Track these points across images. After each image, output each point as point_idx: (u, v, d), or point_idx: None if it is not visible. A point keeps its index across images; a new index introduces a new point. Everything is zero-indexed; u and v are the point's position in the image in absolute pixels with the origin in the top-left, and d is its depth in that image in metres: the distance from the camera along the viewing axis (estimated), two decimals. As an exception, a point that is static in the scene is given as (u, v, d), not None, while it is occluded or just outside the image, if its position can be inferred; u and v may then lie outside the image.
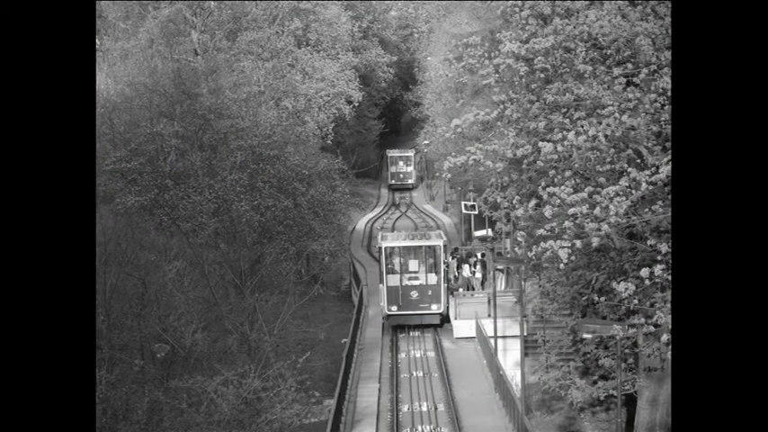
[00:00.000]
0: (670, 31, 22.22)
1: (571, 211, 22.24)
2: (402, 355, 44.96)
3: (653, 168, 22.93)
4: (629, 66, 23.36)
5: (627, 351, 31.55)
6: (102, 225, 34.16)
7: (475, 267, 51.41)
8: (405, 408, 36.86)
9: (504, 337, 42.26)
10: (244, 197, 46.45)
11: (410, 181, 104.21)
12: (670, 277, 21.77)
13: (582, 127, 23.03)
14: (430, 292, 48.43)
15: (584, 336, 28.72)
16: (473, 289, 50.72)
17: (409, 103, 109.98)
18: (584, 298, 31.45)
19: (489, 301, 45.74)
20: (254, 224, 46.34)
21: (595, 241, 22.14)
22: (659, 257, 22.90)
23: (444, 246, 49.33)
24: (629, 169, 22.71)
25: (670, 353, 25.49)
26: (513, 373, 38.67)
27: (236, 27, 65.27)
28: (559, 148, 22.85)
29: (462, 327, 47.51)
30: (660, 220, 23.16)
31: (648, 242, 24.38)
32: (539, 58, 23.70)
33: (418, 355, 44.82)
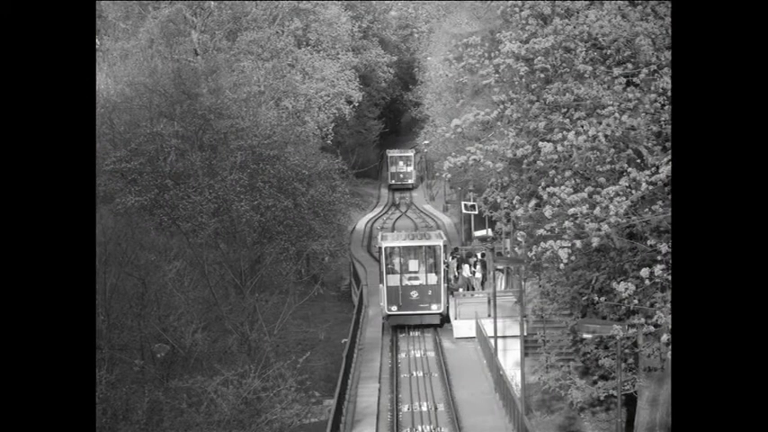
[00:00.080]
0: (670, 31, 22.23)
1: (571, 211, 22.24)
2: (402, 355, 44.96)
3: (653, 168, 22.93)
4: (629, 66, 23.36)
5: (627, 351, 31.55)
6: (102, 225, 34.16)
7: (475, 267, 51.41)
8: (405, 408, 36.86)
9: (504, 337, 42.26)
10: (244, 197, 46.45)
11: (410, 181, 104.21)
12: (670, 277, 21.77)
13: (582, 127, 23.03)
14: (430, 292, 48.43)
15: (584, 336, 28.72)
16: (473, 289, 50.71)
17: (409, 103, 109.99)
18: (584, 298, 31.46)
19: (489, 301, 45.74)
20: (254, 224, 46.34)
21: (595, 241, 22.14)
22: (659, 257, 22.90)
23: (444, 246, 49.32)
24: (629, 169, 22.71)
25: (670, 353, 25.49)
26: (513, 373, 38.66)
27: (236, 27, 65.28)
28: (559, 148, 22.85)
29: (462, 327, 47.51)
30: (660, 220, 23.16)
31: (648, 242, 24.38)
32: (539, 58, 23.70)
33: (418, 355, 44.82)
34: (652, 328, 24.24)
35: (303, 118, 65.12)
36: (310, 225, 50.55)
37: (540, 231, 23.00)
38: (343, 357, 38.98)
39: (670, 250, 22.27)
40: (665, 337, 23.38)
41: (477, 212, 61.06)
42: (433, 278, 48.54)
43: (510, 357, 41.67)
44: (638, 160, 23.61)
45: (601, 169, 23.20)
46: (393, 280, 48.54)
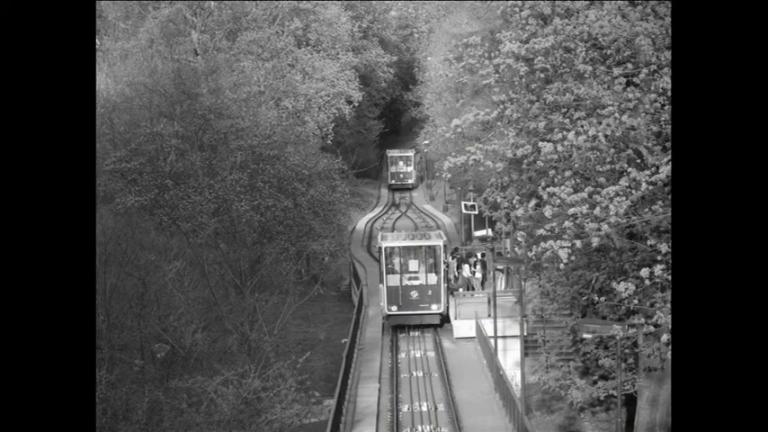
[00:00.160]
0: (670, 31, 22.23)
1: (571, 211, 22.24)
2: (402, 355, 44.96)
3: (653, 168, 22.93)
4: (629, 66, 23.36)
5: (627, 351, 31.55)
6: (102, 225, 34.16)
7: (475, 267, 51.41)
8: (405, 408, 36.86)
9: (504, 337, 42.26)
10: (244, 197, 46.45)
11: (410, 181, 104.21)
12: (670, 277, 21.77)
13: (582, 127, 23.03)
14: (430, 292, 48.43)
15: (584, 336, 28.72)
16: (473, 289, 50.71)
17: (409, 103, 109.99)
18: (584, 298, 31.45)
19: (489, 301, 45.74)
20: (254, 224, 46.34)
21: (595, 241, 22.14)
22: (659, 257, 22.90)
23: (444, 246, 49.32)
24: (629, 169, 22.71)
25: (670, 353, 25.49)
26: (513, 373, 38.66)
27: (236, 27, 65.28)
28: (559, 148, 22.85)
29: (462, 327, 47.51)
30: (660, 220, 23.16)
31: (648, 242, 24.38)
32: (539, 58, 23.70)
33: (418, 355, 44.82)
34: (652, 328, 24.24)
35: (303, 118, 65.12)
36: (310, 225, 50.56)
37: (540, 231, 23.00)
38: (343, 357, 38.97)
39: (670, 250, 22.26)
40: (665, 337, 23.38)
41: (477, 212, 61.06)
42: (433, 278, 48.54)
43: (510, 357, 41.67)
44: (638, 160, 23.61)
45: (601, 169, 23.20)
46: (393, 280, 48.54)
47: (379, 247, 50.04)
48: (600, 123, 22.85)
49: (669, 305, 22.68)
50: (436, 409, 36.52)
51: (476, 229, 66.06)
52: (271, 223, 47.87)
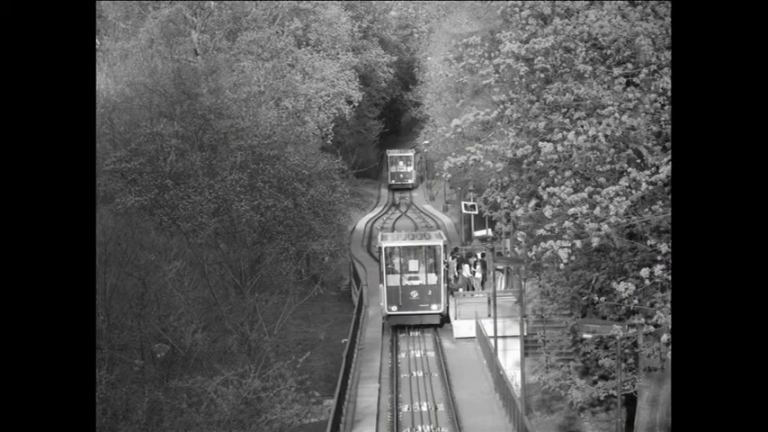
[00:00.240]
0: (670, 31, 22.22)
1: (571, 211, 22.24)
2: (402, 355, 44.96)
3: (653, 168, 22.93)
4: (629, 66, 23.36)
5: (627, 351, 31.55)
6: (102, 225, 34.16)
7: (475, 267, 51.40)
8: (405, 408, 36.86)
9: (504, 337, 42.26)
10: (244, 197, 46.46)
11: (410, 181, 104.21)
12: (670, 277, 21.77)
13: (582, 127, 23.03)
14: (430, 292, 48.43)
15: (584, 336, 28.71)
16: (473, 289, 50.71)
17: (409, 103, 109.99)
18: (584, 298, 31.45)
19: (489, 301, 45.74)
20: (254, 224, 46.34)
21: (595, 241, 22.14)
22: (659, 257, 22.90)
23: (444, 246, 49.32)
24: (629, 169, 22.71)
25: (670, 353, 25.49)
26: (513, 373, 38.66)
27: (236, 27, 65.28)
28: (559, 148, 22.85)
29: (462, 327, 47.51)
30: (660, 220, 23.16)
31: (648, 242, 24.38)
32: (539, 58, 23.70)
33: (418, 355, 44.82)
34: (652, 328, 24.24)
35: (303, 118, 65.12)
36: (310, 225, 50.56)
37: (540, 231, 23.00)
38: (343, 357, 38.97)
39: (670, 250, 22.26)
40: (665, 337, 23.38)
41: (477, 212, 61.05)
42: (433, 278, 48.54)
43: (510, 357, 41.67)
44: (638, 160, 23.61)
45: (601, 169, 23.20)
46: (393, 280, 48.54)
47: (379, 247, 50.04)
48: (600, 123, 22.85)
49: (669, 305, 22.68)
50: (436, 409, 36.53)
51: (476, 229, 66.06)
52: (271, 223, 47.87)
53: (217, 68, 53.53)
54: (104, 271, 31.03)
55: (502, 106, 24.77)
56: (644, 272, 22.38)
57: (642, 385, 30.71)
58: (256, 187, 47.67)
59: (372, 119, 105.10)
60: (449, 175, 27.13)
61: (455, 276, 50.91)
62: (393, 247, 49.13)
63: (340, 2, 78.93)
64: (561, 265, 23.08)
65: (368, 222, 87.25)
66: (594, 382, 37.08)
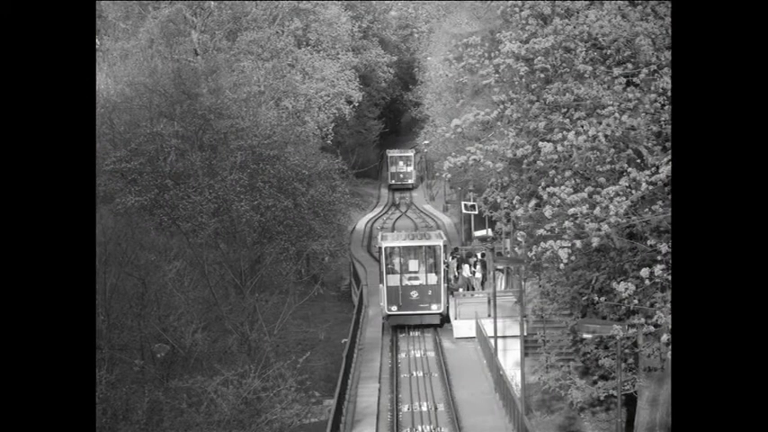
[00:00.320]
0: (670, 31, 22.22)
1: (571, 211, 22.24)
2: (402, 355, 44.96)
3: (653, 168, 22.93)
4: (629, 66, 23.36)
5: (627, 351, 31.55)
6: (102, 225, 34.16)
7: (475, 267, 51.40)
8: (405, 408, 36.86)
9: (504, 337, 42.26)
10: (244, 197, 46.46)
11: (410, 181, 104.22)
12: (670, 277, 21.77)
13: (582, 127, 23.03)
14: (430, 292, 48.43)
15: (584, 336, 28.71)
16: (473, 289, 50.71)
17: (409, 103, 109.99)
18: (584, 298, 31.45)
19: (489, 301, 45.74)
20: (254, 224, 46.34)
21: (595, 241, 22.14)
22: (659, 257, 22.90)
23: (444, 246, 49.32)
24: (629, 169, 22.71)
25: (670, 353, 25.49)
26: (513, 373, 38.66)
27: (236, 27, 65.28)
28: (559, 148, 22.85)
29: (462, 327, 47.51)
30: (660, 220, 23.16)
31: (648, 242, 24.38)
32: (539, 58, 23.70)
33: (418, 355, 44.82)
34: (652, 328, 24.24)
35: (303, 118, 65.12)
36: (310, 225, 50.56)
37: (540, 231, 23.00)
38: (343, 357, 38.97)
39: (670, 250, 22.26)
40: (665, 337, 23.38)
41: (477, 212, 61.05)
42: (433, 278, 48.54)
43: (510, 357, 41.67)
44: (638, 160, 23.61)
45: (601, 169, 23.20)
46: (393, 280, 48.54)
47: (379, 247, 50.04)
48: (600, 123, 22.85)
49: (669, 305, 22.68)
50: (436, 409, 36.53)
51: (476, 229, 66.06)
52: (271, 223, 47.87)
53: (217, 68, 53.54)
54: (104, 271, 31.03)
55: (502, 106, 24.77)
56: (644, 272, 22.38)
57: (642, 385, 30.71)
58: (256, 187, 47.67)
59: (372, 119, 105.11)
60: (449, 175, 27.12)
61: (455, 276, 50.91)
62: (393, 247, 49.14)
63: (340, 2, 78.93)
64: (561, 265, 23.08)
65: (368, 222, 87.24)
66: (594, 382, 37.08)
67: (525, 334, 37.50)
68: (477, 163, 24.59)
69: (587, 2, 24.27)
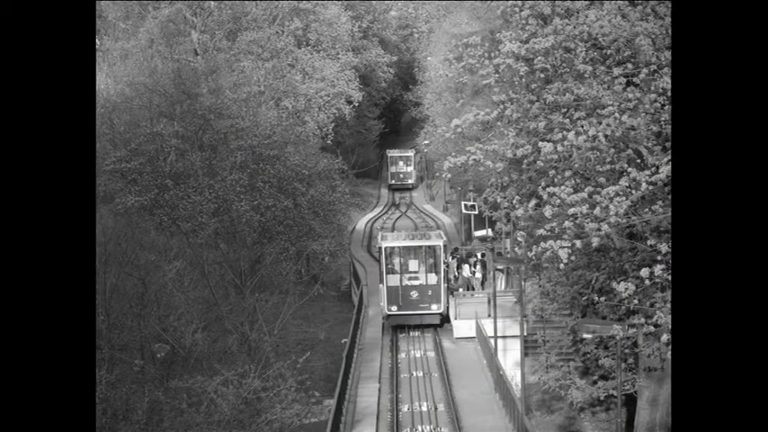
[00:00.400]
0: (670, 31, 22.22)
1: (571, 211, 22.24)
2: (402, 355, 44.96)
3: (653, 168, 22.93)
4: (629, 66, 23.36)
5: (627, 351, 31.55)
6: (102, 225, 34.16)
7: (475, 267, 51.40)
8: (405, 408, 36.86)
9: (504, 337, 42.26)
10: (244, 197, 46.46)
11: (410, 181, 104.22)
12: (670, 277, 21.77)
13: (582, 127, 23.03)
14: (430, 292, 48.43)
15: (584, 336, 28.71)
16: (473, 289, 50.71)
17: (409, 103, 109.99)
18: (584, 298, 31.45)
19: (489, 301, 45.74)
20: (254, 224, 46.35)
21: (595, 241, 22.14)
22: (659, 257, 22.90)
23: (444, 246, 49.32)
24: (629, 169, 22.71)
25: (670, 353, 25.49)
26: (513, 373, 38.66)
27: (236, 27, 65.28)
28: (559, 148, 22.85)
29: (462, 327, 47.51)
30: (660, 220, 23.16)
31: (648, 242, 24.38)
32: (539, 58, 23.70)
33: (418, 355, 44.82)
34: (652, 328, 24.24)
35: (303, 118, 65.12)
36: (310, 225, 50.56)
37: (540, 231, 23.00)
38: (343, 357, 38.97)
39: (670, 250, 22.26)
40: (665, 337, 23.38)
41: (477, 212, 61.05)
42: (433, 278, 48.54)
43: (510, 357, 41.67)
44: (638, 160, 23.61)
45: (601, 169, 23.20)
46: (393, 280, 48.54)
47: (379, 247, 50.04)
48: (600, 123, 22.85)
49: (669, 305, 22.68)
50: (436, 409, 36.52)
51: (476, 229, 66.06)
52: (271, 223, 47.87)
53: (217, 68, 53.54)
54: (104, 271, 31.03)
55: (502, 106, 24.77)
56: (644, 272, 22.39)
57: (642, 385, 30.71)
58: (256, 187, 47.67)
59: (372, 119, 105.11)
60: (449, 175, 27.13)
61: (455, 276, 50.91)
62: (393, 247, 49.14)
63: (340, 2, 78.92)
64: (561, 265, 23.08)
65: (368, 222, 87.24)
66: (594, 382, 37.08)
67: (525, 334, 37.50)
68: (477, 163, 24.59)
69: (587, 2, 24.26)
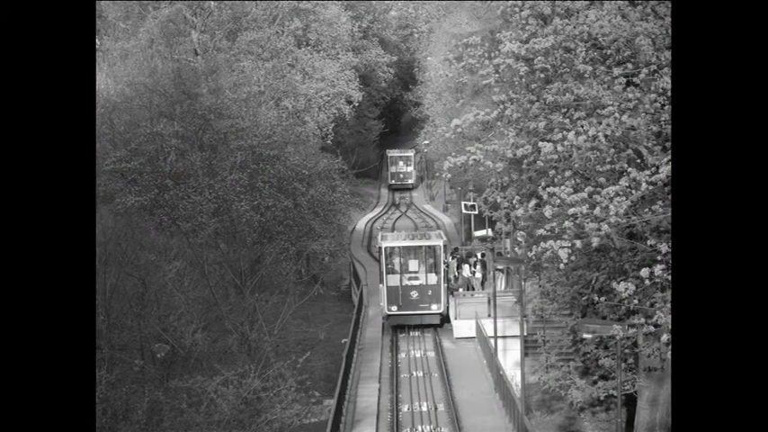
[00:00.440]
0: (670, 31, 22.23)
1: (571, 211, 22.24)
2: (402, 355, 44.96)
3: (653, 168, 22.93)
4: (629, 66, 23.36)
5: (627, 351, 31.55)
6: (102, 225, 34.16)
7: (475, 267, 51.40)
8: (405, 408, 36.86)
9: (504, 337, 42.26)
10: (244, 197, 46.46)
11: (410, 181, 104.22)
12: (670, 277, 21.77)
13: (582, 127, 23.03)
14: (430, 292, 48.43)
15: (584, 336, 28.71)
16: (473, 289, 50.71)
17: (409, 103, 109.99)
18: (584, 298, 31.45)
19: (489, 301, 45.74)
20: (254, 224, 46.35)
21: (595, 241, 22.14)
22: (659, 257, 22.90)
23: (444, 246, 49.32)
24: (629, 169, 22.71)
25: (670, 353, 25.48)
26: (513, 373, 38.66)
27: (236, 27, 65.28)
28: (559, 148, 22.85)
29: (462, 327, 47.51)
30: (660, 220, 23.16)
31: (648, 242, 24.38)
32: (539, 58, 23.70)
33: (418, 355, 44.83)
34: (652, 328, 24.24)
35: (303, 118, 65.12)
36: (310, 225, 50.56)
37: (540, 231, 23.00)
38: (343, 357, 38.97)
39: (670, 250, 22.26)
40: (665, 337, 23.38)
41: (477, 212, 61.06)
42: (433, 278, 48.54)
43: (510, 357, 41.67)
44: (638, 160, 23.61)
45: (601, 169, 23.20)
46: (393, 280, 48.54)
47: (379, 247, 50.05)
48: (600, 123, 22.85)
49: (669, 305, 22.68)
50: (436, 409, 36.52)
51: (476, 229, 66.06)
52: (271, 223, 47.87)
53: (217, 68, 53.54)
54: (104, 271, 31.03)
55: (502, 106, 24.77)
56: (644, 272, 22.39)
57: (642, 385, 30.71)
58: (256, 187, 47.67)
59: (372, 119, 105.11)
60: (449, 175, 27.13)
61: (455, 276, 50.91)
62: (393, 247, 49.14)
63: (340, 2, 78.92)
64: (561, 265, 23.08)
65: (368, 222, 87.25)
66: (594, 382, 37.07)
67: (525, 334, 37.50)
68: (477, 163, 24.59)
69: (587, 2, 24.26)
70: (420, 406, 37.00)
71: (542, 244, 22.51)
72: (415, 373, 41.72)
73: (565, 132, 23.03)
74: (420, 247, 49.40)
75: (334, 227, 54.20)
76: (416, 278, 48.60)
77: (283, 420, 30.01)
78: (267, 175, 48.40)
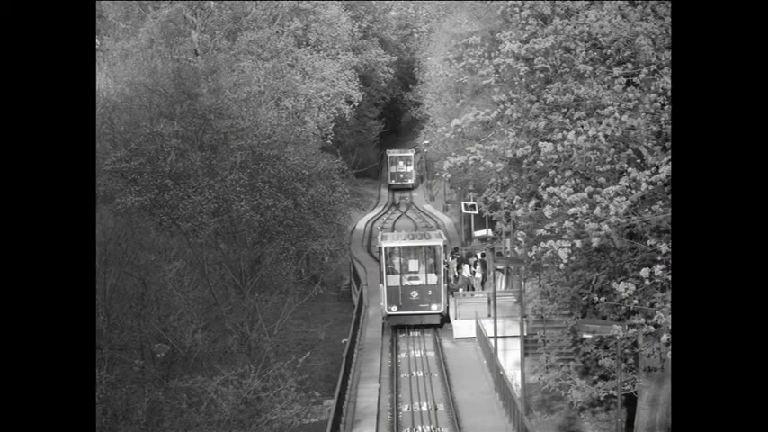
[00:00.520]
0: (670, 31, 22.23)
1: (571, 211, 22.24)
2: (402, 355, 44.96)
3: (653, 168, 22.93)
4: (629, 66, 23.36)
5: (627, 351, 31.55)
6: (102, 225, 34.16)
7: (475, 267, 51.40)
8: (405, 408, 36.86)
9: (504, 337, 42.26)
10: (244, 197, 46.46)
11: (410, 181, 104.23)
12: (670, 277, 21.77)
13: (582, 127, 23.03)
14: (430, 292, 48.44)
15: (584, 336, 28.71)
16: (473, 289, 50.71)
17: (409, 103, 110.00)
18: (584, 298, 31.45)
19: (489, 301, 45.74)
20: (254, 224, 46.35)
21: (595, 241, 22.14)
22: (659, 257, 22.90)
23: (444, 246, 49.32)
24: (629, 169, 22.71)
25: (670, 353, 25.49)
26: (513, 373, 38.66)
27: (236, 27, 65.28)
28: (559, 148, 22.85)
29: (462, 327, 47.52)
30: (660, 220, 23.16)
31: (648, 242, 24.38)
32: (539, 58, 23.70)
33: (418, 355, 44.83)
34: (652, 328, 24.24)
35: (303, 118, 65.12)
36: (310, 225, 50.56)
37: (540, 231, 23.00)
38: (343, 357, 38.97)
39: (670, 250, 22.26)
40: (665, 337, 23.38)
41: (477, 212, 61.06)
42: (433, 278, 48.54)
43: (510, 357, 41.67)
44: (638, 160, 23.61)
45: (601, 169, 23.20)
46: (393, 280, 48.54)
47: (379, 247, 50.05)
48: (600, 123, 22.85)
49: (669, 305, 22.68)
50: (436, 409, 36.52)
51: (476, 229, 66.06)
52: (271, 223, 47.87)
53: (217, 68, 53.54)
54: (104, 271, 31.03)
55: (502, 106, 24.77)
56: (644, 272, 22.39)
57: (642, 385, 30.71)
58: (256, 187, 47.67)
59: (372, 119, 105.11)
60: (449, 175, 27.13)
61: (455, 276, 50.91)
62: (393, 247, 49.14)
63: (340, 2, 78.93)
64: (561, 265, 23.08)
65: (368, 222, 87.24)
66: (594, 382, 37.08)
67: (525, 334, 37.50)
68: (477, 163, 24.59)
69: (587, 2, 24.26)
70: (420, 406, 37.01)
71: (542, 244, 22.51)
72: (415, 373, 41.72)
73: (565, 132, 23.03)
74: (420, 247, 49.41)
75: (334, 227, 54.21)
76: (416, 278, 48.61)
77: (283, 420, 30.02)
78: (267, 175, 48.41)
